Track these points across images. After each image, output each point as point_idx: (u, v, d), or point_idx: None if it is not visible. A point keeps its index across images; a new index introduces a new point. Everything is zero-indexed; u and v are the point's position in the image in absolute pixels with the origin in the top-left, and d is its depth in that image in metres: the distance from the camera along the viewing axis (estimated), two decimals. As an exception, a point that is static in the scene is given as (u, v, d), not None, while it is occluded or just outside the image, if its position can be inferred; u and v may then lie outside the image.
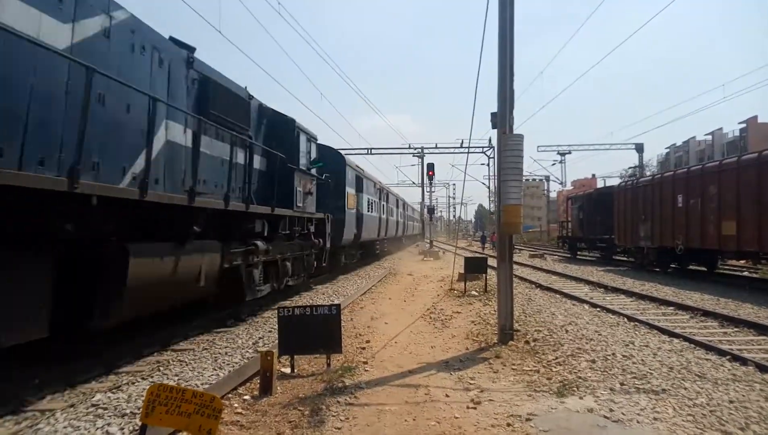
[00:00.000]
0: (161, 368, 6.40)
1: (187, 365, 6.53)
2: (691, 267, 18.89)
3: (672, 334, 8.17)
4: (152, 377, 5.98)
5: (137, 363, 6.65)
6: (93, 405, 4.89)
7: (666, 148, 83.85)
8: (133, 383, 5.71)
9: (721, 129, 70.24)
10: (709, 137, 72.19)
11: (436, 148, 43.24)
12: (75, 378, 5.74)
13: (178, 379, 5.90)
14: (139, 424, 3.03)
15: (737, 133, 66.55)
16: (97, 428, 4.34)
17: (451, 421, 4.58)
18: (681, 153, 78.52)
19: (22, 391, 5.12)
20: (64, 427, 4.36)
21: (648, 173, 45.08)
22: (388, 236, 30.52)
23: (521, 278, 16.70)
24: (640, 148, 46.26)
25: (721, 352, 7.00)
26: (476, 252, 31.96)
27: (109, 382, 5.79)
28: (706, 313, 10.23)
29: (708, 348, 7.28)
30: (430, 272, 20.26)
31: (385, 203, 27.42)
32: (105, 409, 4.80)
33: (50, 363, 5.89)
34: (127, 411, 4.74)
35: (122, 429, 4.34)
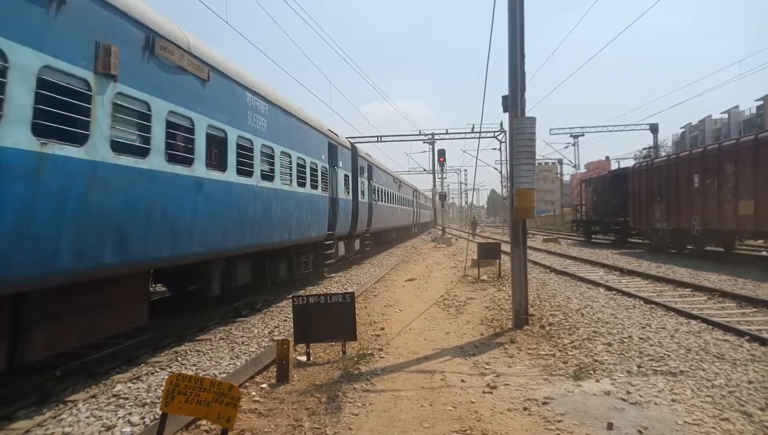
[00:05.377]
0: (179, 358, 6.50)
1: (204, 355, 6.62)
2: (708, 248, 18.66)
3: (689, 316, 8.08)
4: (171, 367, 6.09)
5: (156, 353, 6.76)
6: (114, 395, 4.99)
7: (681, 127, 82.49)
8: (152, 373, 5.81)
9: (737, 107, 68.90)
10: (725, 115, 70.78)
11: (447, 133, 42.77)
12: (96, 369, 5.86)
13: (196, 369, 5.99)
14: (160, 413, 3.08)
15: (754, 111, 65.16)
16: (119, 418, 4.43)
17: (468, 406, 4.59)
18: (697, 132, 77.18)
19: (45, 382, 5.23)
20: (87, 417, 4.45)
21: (663, 154, 44.41)
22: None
23: (535, 263, 16.61)
24: (654, 129, 45.44)
25: (740, 333, 6.92)
26: (489, 238, 31.82)
27: (129, 373, 5.89)
28: (724, 294, 10.10)
29: (726, 329, 7.20)
30: (442, 259, 20.25)
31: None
32: (126, 399, 4.90)
33: (71, 354, 6.00)
34: (148, 400, 4.83)
35: (143, 418, 4.42)
